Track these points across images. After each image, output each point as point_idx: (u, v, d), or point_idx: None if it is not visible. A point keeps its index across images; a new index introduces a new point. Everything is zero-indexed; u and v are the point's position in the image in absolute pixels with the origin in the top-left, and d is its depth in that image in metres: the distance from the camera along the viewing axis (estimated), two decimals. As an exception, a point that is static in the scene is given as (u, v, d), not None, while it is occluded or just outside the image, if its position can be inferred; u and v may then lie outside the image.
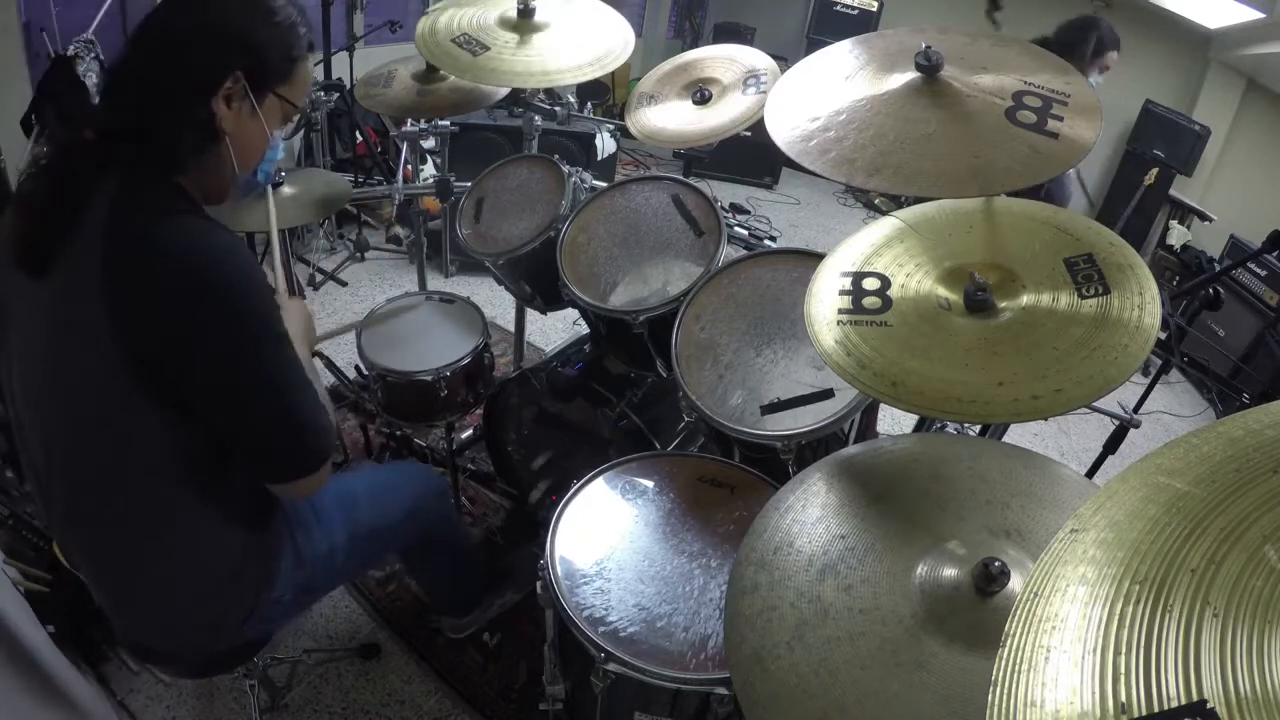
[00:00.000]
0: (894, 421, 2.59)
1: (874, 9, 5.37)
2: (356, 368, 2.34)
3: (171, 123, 0.88)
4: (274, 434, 0.95)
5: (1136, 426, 1.48)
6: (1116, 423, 1.49)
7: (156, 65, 0.88)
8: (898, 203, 1.22)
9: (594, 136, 3.66)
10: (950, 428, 1.54)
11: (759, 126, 1.24)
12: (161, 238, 0.85)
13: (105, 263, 0.83)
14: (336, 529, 1.21)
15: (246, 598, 1.08)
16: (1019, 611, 0.48)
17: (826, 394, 1.22)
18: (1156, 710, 0.39)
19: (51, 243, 0.87)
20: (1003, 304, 0.94)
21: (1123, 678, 0.41)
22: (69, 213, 0.86)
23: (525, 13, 1.64)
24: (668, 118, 1.71)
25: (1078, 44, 2.37)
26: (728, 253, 1.48)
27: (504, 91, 1.97)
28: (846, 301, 1.00)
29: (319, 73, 3.42)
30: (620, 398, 1.68)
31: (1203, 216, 4.32)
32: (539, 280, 1.77)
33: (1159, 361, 2.10)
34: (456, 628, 1.75)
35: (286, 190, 1.79)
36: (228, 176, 0.98)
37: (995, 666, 0.46)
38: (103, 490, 0.94)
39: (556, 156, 1.82)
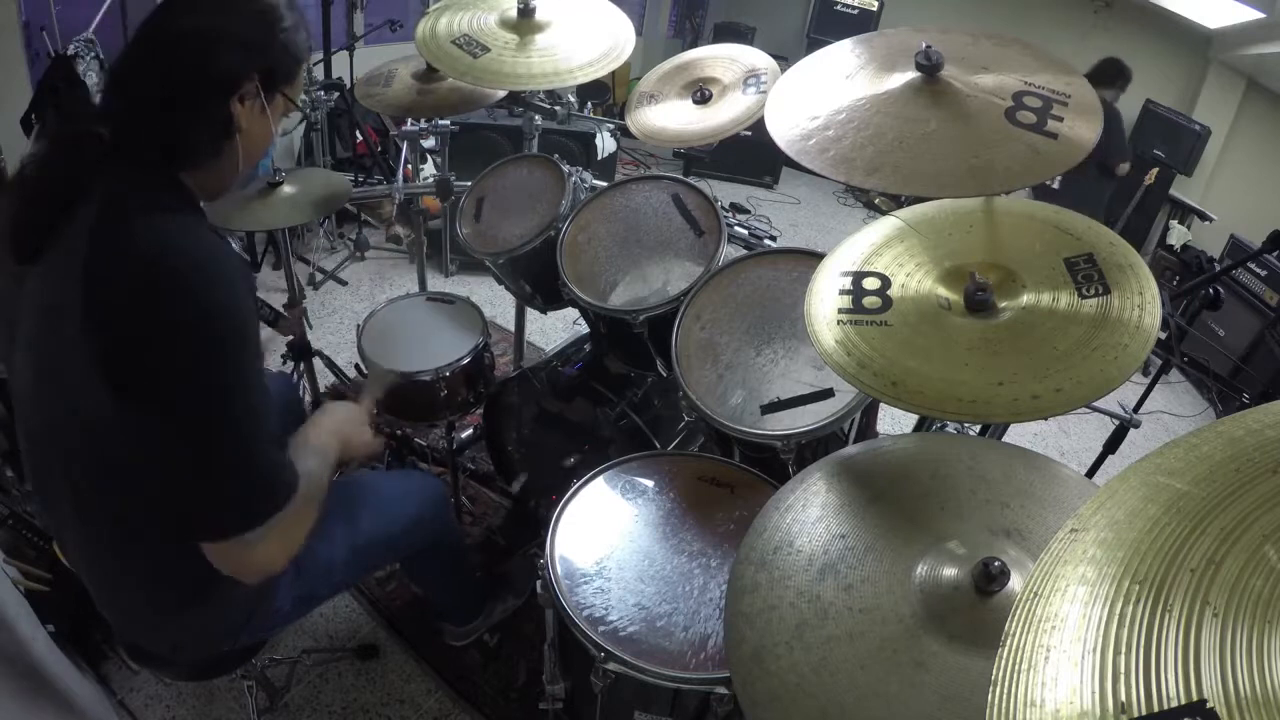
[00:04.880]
0: (894, 421, 2.59)
1: (874, 9, 5.38)
2: (357, 367, 2.34)
3: (193, 120, 0.90)
4: (227, 456, 0.86)
5: (1136, 426, 1.48)
6: (1116, 423, 1.49)
7: (181, 65, 0.89)
8: (898, 202, 1.22)
9: (594, 136, 3.66)
10: (950, 428, 1.53)
11: (759, 126, 1.24)
12: (145, 235, 0.84)
13: (87, 256, 0.83)
14: (337, 540, 1.19)
15: (244, 606, 1.08)
16: (1019, 611, 0.48)
17: (826, 394, 1.22)
18: (1156, 710, 0.39)
19: (43, 232, 0.87)
20: (1003, 304, 0.94)
21: (1123, 677, 0.41)
22: (64, 204, 0.86)
23: (525, 13, 1.64)
24: (668, 117, 1.70)
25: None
26: (728, 252, 1.48)
27: (504, 91, 1.96)
28: (847, 301, 1.00)
29: (319, 72, 3.42)
30: (620, 397, 1.68)
31: (1203, 216, 4.33)
32: (539, 280, 1.77)
33: (1159, 361, 2.10)
34: (459, 635, 1.75)
35: (286, 189, 1.79)
36: (230, 173, 0.99)
37: (995, 666, 0.46)
38: (97, 490, 0.93)
39: (556, 156, 1.81)
